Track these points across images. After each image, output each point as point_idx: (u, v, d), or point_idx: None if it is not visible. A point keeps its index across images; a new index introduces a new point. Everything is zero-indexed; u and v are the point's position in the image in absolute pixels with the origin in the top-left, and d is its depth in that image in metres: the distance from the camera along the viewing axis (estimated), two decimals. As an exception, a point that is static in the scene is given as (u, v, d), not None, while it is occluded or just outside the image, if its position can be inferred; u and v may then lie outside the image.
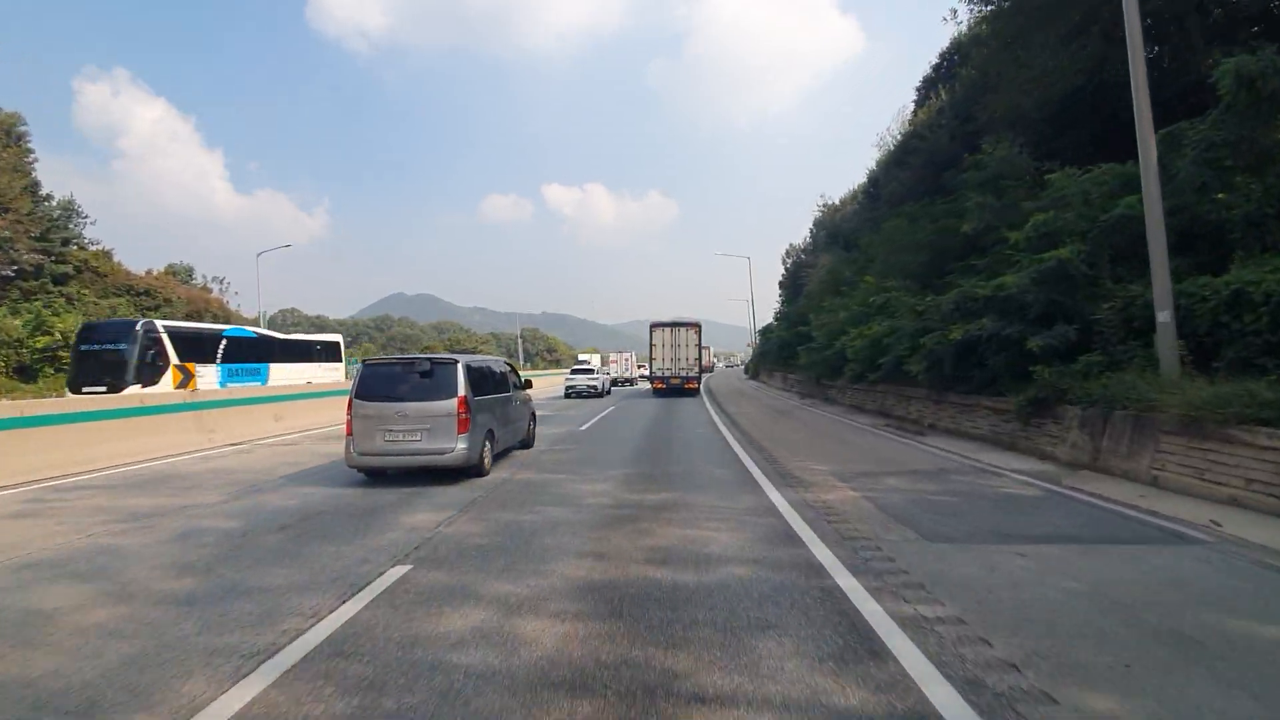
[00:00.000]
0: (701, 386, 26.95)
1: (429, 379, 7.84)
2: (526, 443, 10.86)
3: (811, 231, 55.36)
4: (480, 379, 8.51)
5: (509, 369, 10.38)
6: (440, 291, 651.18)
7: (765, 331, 49.89)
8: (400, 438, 7.58)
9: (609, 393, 29.14)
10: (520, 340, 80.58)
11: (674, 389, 24.57)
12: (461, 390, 7.74)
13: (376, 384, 7.93)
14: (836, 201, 51.17)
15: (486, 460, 8.25)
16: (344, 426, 7.85)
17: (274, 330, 31.08)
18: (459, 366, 7.93)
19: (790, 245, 62.65)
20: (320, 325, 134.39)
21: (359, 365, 8.56)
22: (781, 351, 32.65)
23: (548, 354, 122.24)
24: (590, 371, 27.75)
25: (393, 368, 8.19)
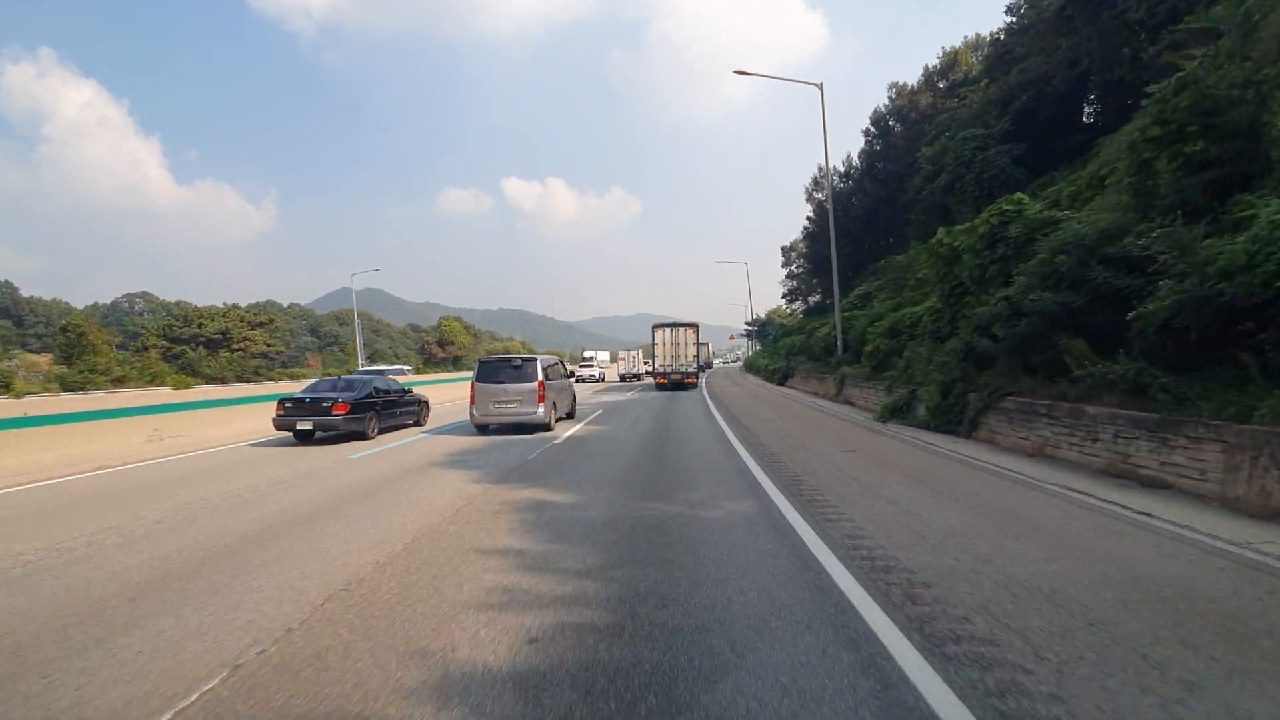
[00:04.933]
0: (701, 381, 31.90)
1: (519, 369, 13.42)
2: (571, 414, 16.08)
3: (870, 135, 40.75)
4: (548, 370, 14.09)
5: (559, 363, 16.02)
6: (391, 286, 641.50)
7: (815, 311, 35.38)
8: (502, 406, 13.25)
9: (603, 379, 44.23)
10: (358, 329, 62.74)
11: (674, 384, 29.01)
12: (539, 376, 13.34)
13: (487, 373, 13.55)
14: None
15: (552, 420, 13.85)
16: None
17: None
18: (538, 362, 13.60)
19: (818, 171, 47.40)
20: (181, 315, 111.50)
21: (477, 361, 14.36)
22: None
23: (441, 348, 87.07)
24: (590, 365, 45.88)
25: (497, 363, 13.82)
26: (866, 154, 40.27)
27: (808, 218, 49.13)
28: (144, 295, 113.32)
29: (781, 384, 31.20)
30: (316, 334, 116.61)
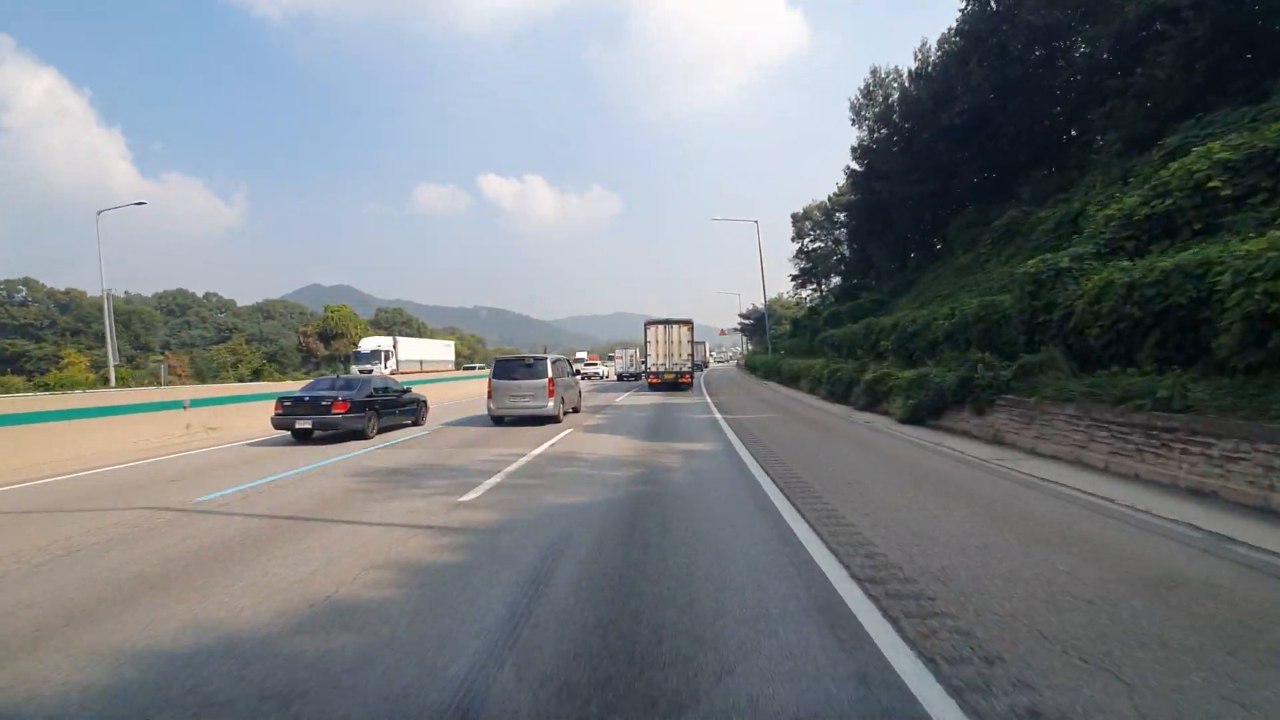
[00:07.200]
0: (701, 382, 33.76)
1: (531, 367, 14.76)
2: (577, 408, 17.59)
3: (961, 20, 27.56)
4: (556, 367, 15.45)
5: (566, 362, 18.35)
6: (361, 283, 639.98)
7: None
8: (516, 400, 14.54)
9: (606, 376, 50.55)
10: (109, 321, 35.52)
11: (668, 384, 28.83)
12: (550, 373, 14.59)
13: (503, 370, 14.97)
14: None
15: (561, 414, 15.08)
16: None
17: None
18: (548, 360, 15.00)
19: (865, 83, 39.02)
20: (67, 304, 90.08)
21: (495, 359, 16.31)
22: None
23: (324, 343, 66.60)
24: (595, 365, 53.69)
25: (512, 361, 15.40)
26: (971, 17, 25.84)
27: (853, 149, 38.17)
28: (26, 282, 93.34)
29: (928, 423, 11.82)
30: (234, 329, 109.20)
